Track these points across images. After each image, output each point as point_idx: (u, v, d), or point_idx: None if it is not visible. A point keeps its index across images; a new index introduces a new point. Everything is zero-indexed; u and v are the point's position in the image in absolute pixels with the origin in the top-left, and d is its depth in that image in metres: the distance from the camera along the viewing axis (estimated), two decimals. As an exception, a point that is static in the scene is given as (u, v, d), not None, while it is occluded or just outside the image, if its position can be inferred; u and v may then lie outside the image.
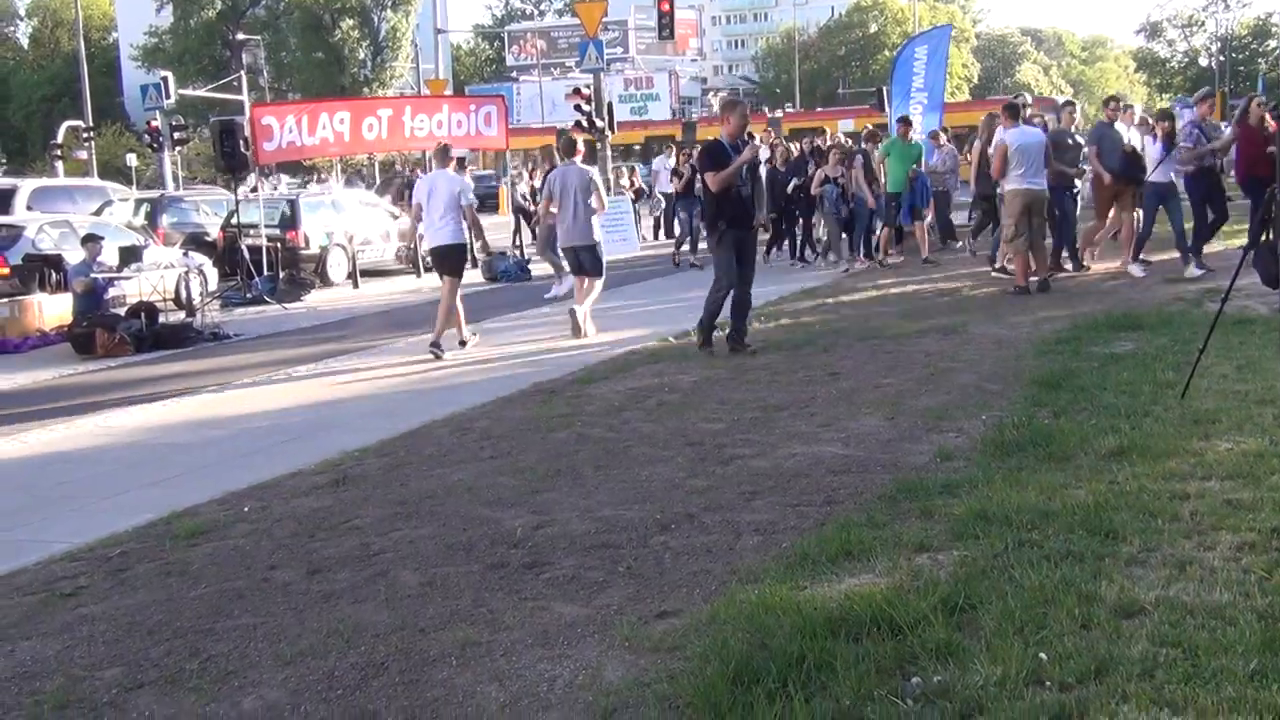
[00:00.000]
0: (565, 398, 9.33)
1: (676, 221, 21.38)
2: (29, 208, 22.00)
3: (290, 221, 21.52)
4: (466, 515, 6.21)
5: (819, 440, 7.33)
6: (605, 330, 13.22)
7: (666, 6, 32.16)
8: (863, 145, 19.22)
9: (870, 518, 5.58)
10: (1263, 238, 9.04)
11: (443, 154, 13.06)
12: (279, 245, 20.42)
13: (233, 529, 6.31)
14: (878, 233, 18.32)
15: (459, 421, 8.75)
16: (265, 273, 19.41)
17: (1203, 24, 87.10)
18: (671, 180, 21.58)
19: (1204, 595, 4.35)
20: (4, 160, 63.32)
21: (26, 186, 23.84)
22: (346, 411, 9.75)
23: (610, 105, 28.19)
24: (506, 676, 4.13)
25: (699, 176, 12.93)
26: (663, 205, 26.55)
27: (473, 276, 19.11)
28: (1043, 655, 3.88)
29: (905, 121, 19.22)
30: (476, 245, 15.47)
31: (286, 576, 5.44)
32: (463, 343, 12.70)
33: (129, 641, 4.74)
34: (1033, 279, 13.67)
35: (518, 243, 24.24)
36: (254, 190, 23.01)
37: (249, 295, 18.78)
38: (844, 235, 18.41)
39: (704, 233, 17.96)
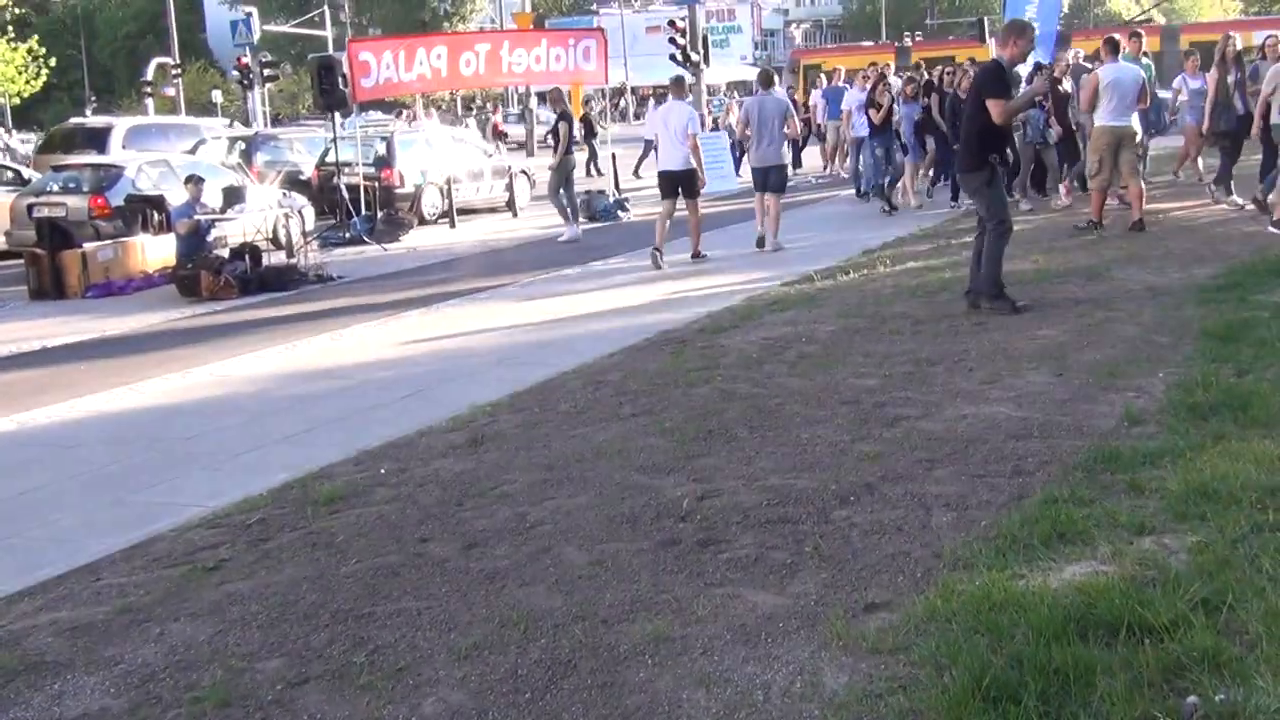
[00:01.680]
0: (697, 348, 8.87)
1: (865, 160, 18.76)
2: (124, 146, 21.86)
3: (385, 160, 21.17)
4: (622, 482, 5.79)
5: (987, 400, 6.81)
6: (720, 272, 12.78)
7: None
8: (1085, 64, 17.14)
9: (1073, 493, 5.07)
10: None
11: (678, 85, 14.76)
12: (375, 184, 20.11)
13: (373, 494, 5.95)
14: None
15: (589, 374, 8.33)
16: (363, 212, 19.10)
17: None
18: (868, 111, 17.90)
19: None
20: (94, 98, 63.66)
21: (122, 125, 23.70)
22: (467, 361, 9.38)
23: (705, 37, 27.45)
24: (713, 681, 3.70)
25: (962, 102, 11.94)
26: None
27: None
28: (1338, 671, 3.39)
29: (1136, 37, 16.58)
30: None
31: (441, 551, 5.06)
32: (695, 255, 14.09)
33: (285, 626, 4.39)
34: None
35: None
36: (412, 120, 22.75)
37: (347, 235, 18.49)
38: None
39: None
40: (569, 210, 17.96)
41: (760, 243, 14.34)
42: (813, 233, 15.62)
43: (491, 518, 5.44)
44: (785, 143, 14.61)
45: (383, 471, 6.34)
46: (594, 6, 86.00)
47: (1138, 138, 13.56)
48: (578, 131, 21.97)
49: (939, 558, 4.54)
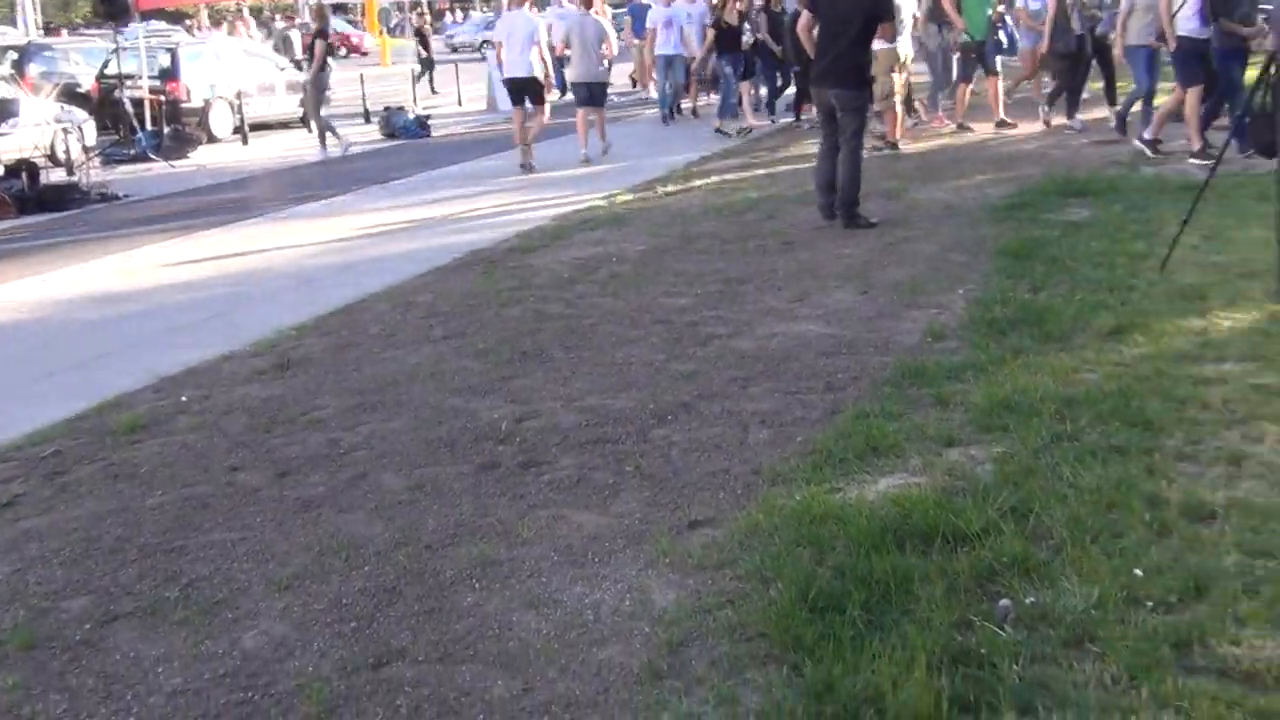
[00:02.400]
0: (508, 268, 8.77)
1: (696, 78, 19.22)
2: (-120, 55, 20.29)
3: (170, 72, 20.17)
4: (437, 405, 5.70)
5: (796, 318, 6.93)
6: (529, 191, 12.65)
7: None
8: None
9: (883, 407, 5.21)
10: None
11: None
12: (160, 98, 19.16)
13: (176, 422, 5.72)
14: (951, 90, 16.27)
15: (398, 295, 8.16)
16: (148, 127, 18.20)
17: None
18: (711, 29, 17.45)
19: (1275, 496, 4.07)
20: None
21: (-124, 31, 21.97)
22: (268, 282, 9.07)
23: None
24: (542, 603, 3.69)
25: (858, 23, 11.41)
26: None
27: (369, 133, 18.24)
28: (1137, 571, 3.57)
29: None
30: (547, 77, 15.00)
31: (253, 480, 4.90)
32: (524, 165, 14.42)
33: (90, 563, 4.19)
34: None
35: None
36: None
37: (132, 152, 17.60)
38: None
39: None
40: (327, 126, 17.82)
41: (587, 160, 14.80)
42: (620, 151, 15.54)
43: (303, 444, 5.29)
44: (604, 62, 15.15)
45: (184, 399, 6.10)
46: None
47: (907, 60, 14.31)
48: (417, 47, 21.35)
49: (758, 474, 4.61)
